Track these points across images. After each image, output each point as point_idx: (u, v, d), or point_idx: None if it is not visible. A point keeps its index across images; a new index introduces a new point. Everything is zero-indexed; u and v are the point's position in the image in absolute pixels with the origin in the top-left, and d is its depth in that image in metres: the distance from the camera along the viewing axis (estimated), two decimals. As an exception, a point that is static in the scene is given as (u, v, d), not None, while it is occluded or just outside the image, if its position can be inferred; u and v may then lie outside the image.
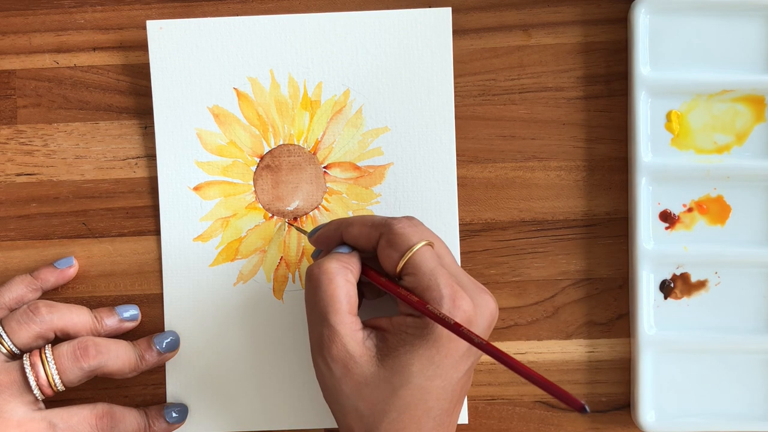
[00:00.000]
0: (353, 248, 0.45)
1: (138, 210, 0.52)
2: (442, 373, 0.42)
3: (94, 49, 0.52)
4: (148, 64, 0.51)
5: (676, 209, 0.51)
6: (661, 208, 0.51)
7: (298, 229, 0.49)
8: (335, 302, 0.43)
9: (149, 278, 0.52)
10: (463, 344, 0.42)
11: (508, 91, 0.51)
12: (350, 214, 0.51)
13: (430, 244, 0.43)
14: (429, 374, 0.42)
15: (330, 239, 0.46)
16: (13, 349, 0.47)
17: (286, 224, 0.51)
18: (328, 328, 0.43)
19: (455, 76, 0.51)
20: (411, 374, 0.42)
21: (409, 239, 0.43)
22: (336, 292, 0.43)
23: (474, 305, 0.42)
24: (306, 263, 0.51)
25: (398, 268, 0.43)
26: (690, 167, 0.50)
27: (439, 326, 0.41)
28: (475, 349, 0.43)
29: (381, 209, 0.51)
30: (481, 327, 0.43)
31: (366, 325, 0.44)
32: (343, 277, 0.43)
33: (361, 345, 0.43)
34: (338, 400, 0.43)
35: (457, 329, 0.40)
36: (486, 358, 0.51)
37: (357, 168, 0.51)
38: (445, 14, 0.51)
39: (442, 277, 0.42)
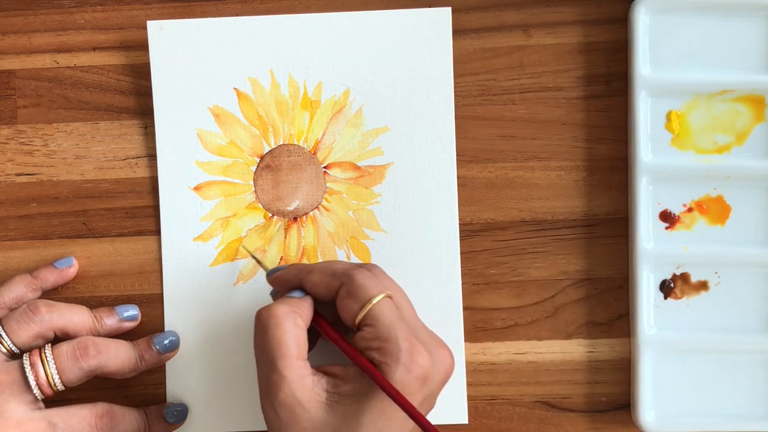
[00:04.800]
0: (308, 294, 0.45)
1: (138, 210, 0.52)
2: (392, 425, 0.42)
3: (94, 49, 0.52)
4: (149, 64, 0.51)
5: (676, 209, 0.51)
6: (661, 208, 0.51)
7: (257, 261, 0.49)
8: (283, 347, 0.42)
9: (149, 278, 0.52)
10: (416, 398, 0.42)
11: (508, 91, 0.51)
12: (350, 214, 0.51)
13: (389, 296, 0.43)
14: (379, 426, 0.42)
15: (288, 282, 0.46)
16: (13, 349, 0.47)
17: (247, 253, 0.50)
18: (276, 373, 0.42)
19: (455, 76, 0.51)
20: (360, 424, 0.41)
21: (369, 291, 0.43)
22: (284, 337, 0.43)
23: (431, 360, 0.42)
24: (306, 263, 0.51)
25: (357, 320, 0.43)
26: (690, 167, 0.50)
27: (394, 379, 0.41)
28: (427, 402, 0.43)
29: (381, 209, 0.51)
30: (436, 381, 0.43)
31: (318, 370, 0.44)
32: (291, 321, 0.43)
33: (309, 390, 0.42)
34: None
35: (395, 397, 0.40)
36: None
37: (357, 168, 0.51)
38: (445, 14, 0.51)
39: (401, 330, 0.42)
